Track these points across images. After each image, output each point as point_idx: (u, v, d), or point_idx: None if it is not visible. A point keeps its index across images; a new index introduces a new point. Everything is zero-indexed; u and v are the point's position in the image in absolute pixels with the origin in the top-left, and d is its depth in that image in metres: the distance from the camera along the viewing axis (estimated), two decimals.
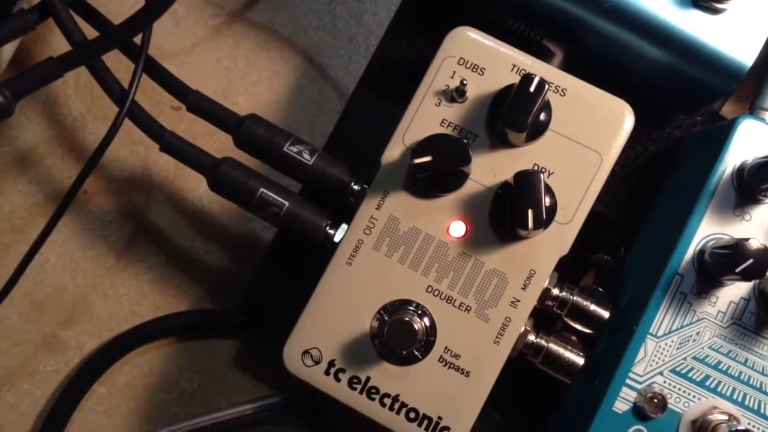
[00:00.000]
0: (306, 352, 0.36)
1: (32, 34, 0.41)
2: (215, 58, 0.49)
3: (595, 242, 0.41)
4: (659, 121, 0.41)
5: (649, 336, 0.34)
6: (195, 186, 0.47)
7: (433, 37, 0.37)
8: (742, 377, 0.34)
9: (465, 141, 0.34)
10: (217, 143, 0.47)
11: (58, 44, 0.47)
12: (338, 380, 0.35)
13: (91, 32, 0.41)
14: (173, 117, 0.48)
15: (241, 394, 0.45)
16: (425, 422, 0.35)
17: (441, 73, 0.36)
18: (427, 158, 0.34)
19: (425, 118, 0.36)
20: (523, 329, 0.36)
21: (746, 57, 0.35)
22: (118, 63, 0.41)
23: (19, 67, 0.47)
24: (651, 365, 0.34)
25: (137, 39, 0.40)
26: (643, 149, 0.41)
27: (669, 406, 0.34)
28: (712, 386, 0.34)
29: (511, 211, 0.34)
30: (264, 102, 0.48)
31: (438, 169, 0.34)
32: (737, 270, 0.31)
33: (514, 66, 0.36)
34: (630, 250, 0.40)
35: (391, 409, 0.35)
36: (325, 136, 0.45)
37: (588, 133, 0.35)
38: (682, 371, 0.34)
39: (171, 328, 0.45)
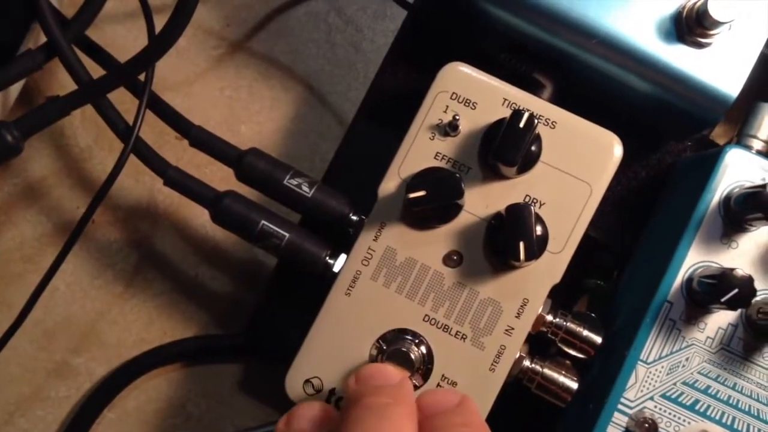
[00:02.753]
0: (307, 381, 0.37)
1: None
2: (218, 88, 0.50)
3: (588, 267, 0.41)
4: (650, 147, 0.42)
5: (639, 362, 0.35)
6: (199, 214, 0.49)
7: (428, 68, 0.38)
8: (730, 401, 0.35)
9: (458, 175, 0.35)
10: (221, 171, 0.48)
11: (65, 78, 0.48)
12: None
13: (95, 68, 0.43)
14: (177, 147, 0.49)
15: (247, 416, 0.47)
16: None
17: (434, 107, 0.37)
18: (421, 192, 0.35)
19: (420, 151, 0.37)
20: (517, 356, 0.37)
21: (731, 88, 0.36)
22: (122, 94, 0.43)
23: (27, 101, 0.48)
24: (642, 390, 0.35)
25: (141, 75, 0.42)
26: (634, 174, 0.42)
27: (660, 430, 0.35)
28: (702, 410, 0.35)
29: (503, 243, 0.35)
30: (266, 130, 0.50)
31: (432, 203, 0.35)
32: (723, 300, 0.32)
33: (505, 100, 0.37)
34: (622, 276, 0.41)
35: None
36: (326, 162, 0.46)
37: (578, 165, 0.36)
38: (672, 396, 0.35)
39: (178, 353, 0.47)
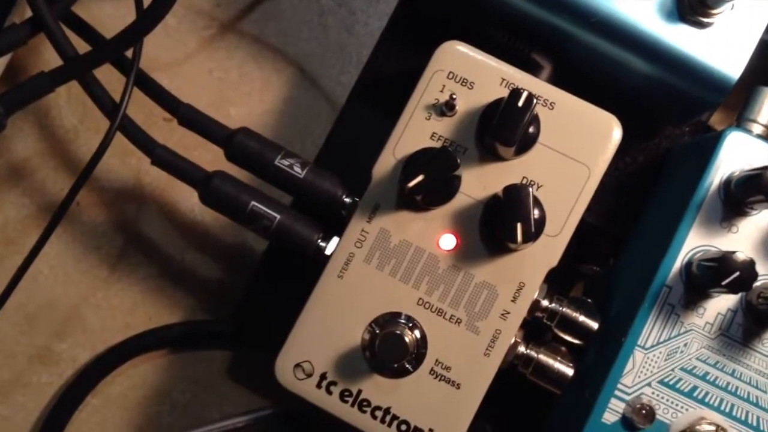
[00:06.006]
0: (298, 365, 0.36)
1: (24, 46, 0.42)
2: (207, 69, 0.49)
3: (584, 252, 0.41)
4: (648, 132, 0.41)
5: (637, 347, 0.35)
6: (187, 196, 0.48)
7: (424, 48, 0.37)
8: (729, 388, 0.35)
9: (448, 147, 0.35)
10: (210, 154, 0.47)
11: (51, 56, 0.47)
12: (330, 393, 0.36)
13: (82, 45, 0.42)
14: (165, 128, 0.48)
15: (235, 404, 0.46)
16: None
17: (431, 87, 0.36)
18: (420, 177, 0.34)
19: (415, 131, 0.36)
20: (513, 341, 0.36)
21: (733, 70, 0.35)
22: (109, 73, 0.41)
23: (12, 80, 0.47)
24: (639, 376, 0.35)
25: (128, 52, 0.41)
26: (632, 160, 0.42)
27: (657, 417, 0.34)
28: (700, 397, 0.34)
29: (500, 225, 0.34)
30: (256, 113, 0.49)
31: (433, 184, 0.34)
32: (723, 283, 0.32)
33: (503, 80, 0.36)
34: (619, 261, 0.40)
35: (382, 421, 0.35)
36: (318, 146, 0.46)
37: (576, 146, 0.36)
38: (670, 382, 0.35)
39: (164, 339, 0.46)
